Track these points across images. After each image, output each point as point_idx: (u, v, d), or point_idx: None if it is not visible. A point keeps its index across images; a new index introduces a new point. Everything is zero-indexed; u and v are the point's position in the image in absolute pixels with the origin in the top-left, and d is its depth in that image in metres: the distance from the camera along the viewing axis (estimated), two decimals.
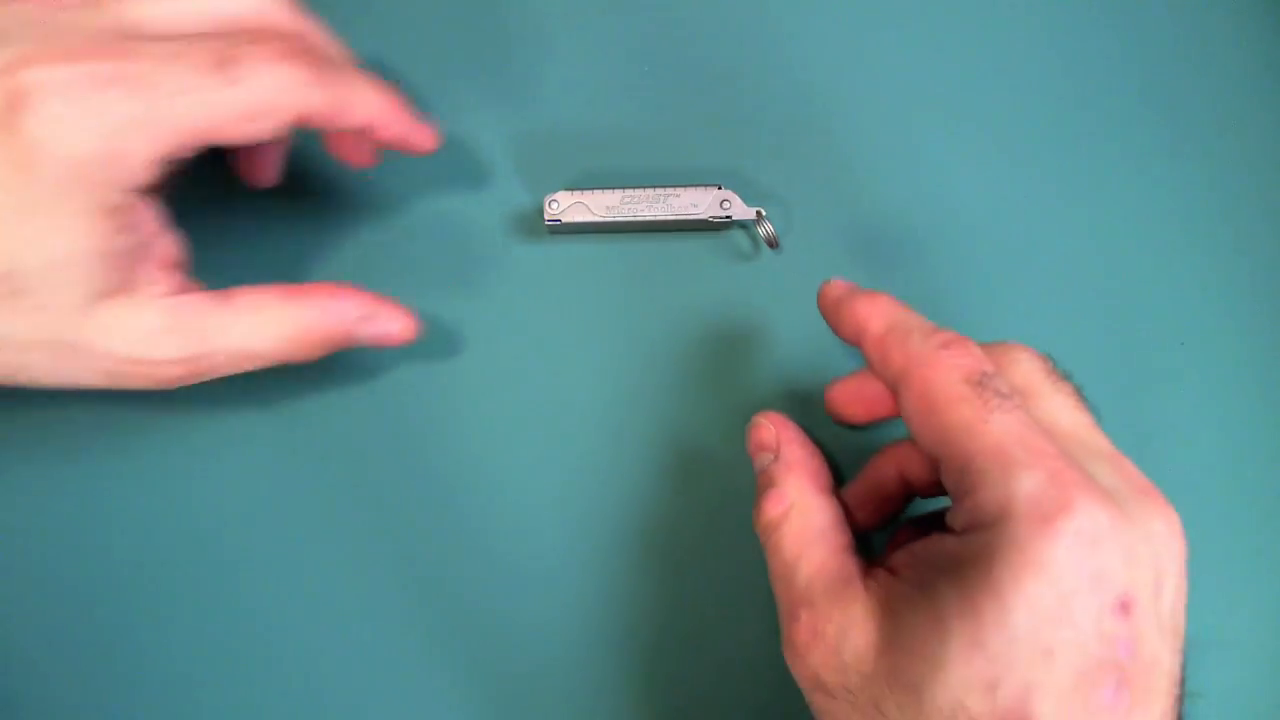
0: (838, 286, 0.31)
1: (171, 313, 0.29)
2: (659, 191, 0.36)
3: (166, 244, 0.30)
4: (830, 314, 0.30)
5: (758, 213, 0.37)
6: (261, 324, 0.31)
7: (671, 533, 0.36)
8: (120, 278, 0.29)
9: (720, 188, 0.36)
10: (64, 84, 0.26)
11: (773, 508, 0.30)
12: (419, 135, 0.33)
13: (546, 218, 0.36)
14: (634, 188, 0.37)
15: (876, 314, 0.28)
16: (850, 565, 0.28)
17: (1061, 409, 0.28)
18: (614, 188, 0.37)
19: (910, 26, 0.40)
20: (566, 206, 0.37)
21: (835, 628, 0.27)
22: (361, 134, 0.32)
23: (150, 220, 0.29)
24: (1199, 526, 0.36)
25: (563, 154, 0.39)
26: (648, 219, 0.37)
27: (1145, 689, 0.24)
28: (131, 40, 0.28)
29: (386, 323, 0.33)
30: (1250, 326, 0.37)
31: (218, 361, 0.30)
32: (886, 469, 0.32)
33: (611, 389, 0.37)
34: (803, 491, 0.30)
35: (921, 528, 0.32)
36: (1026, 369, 0.28)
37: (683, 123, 0.39)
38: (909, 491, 0.32)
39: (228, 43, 0.28)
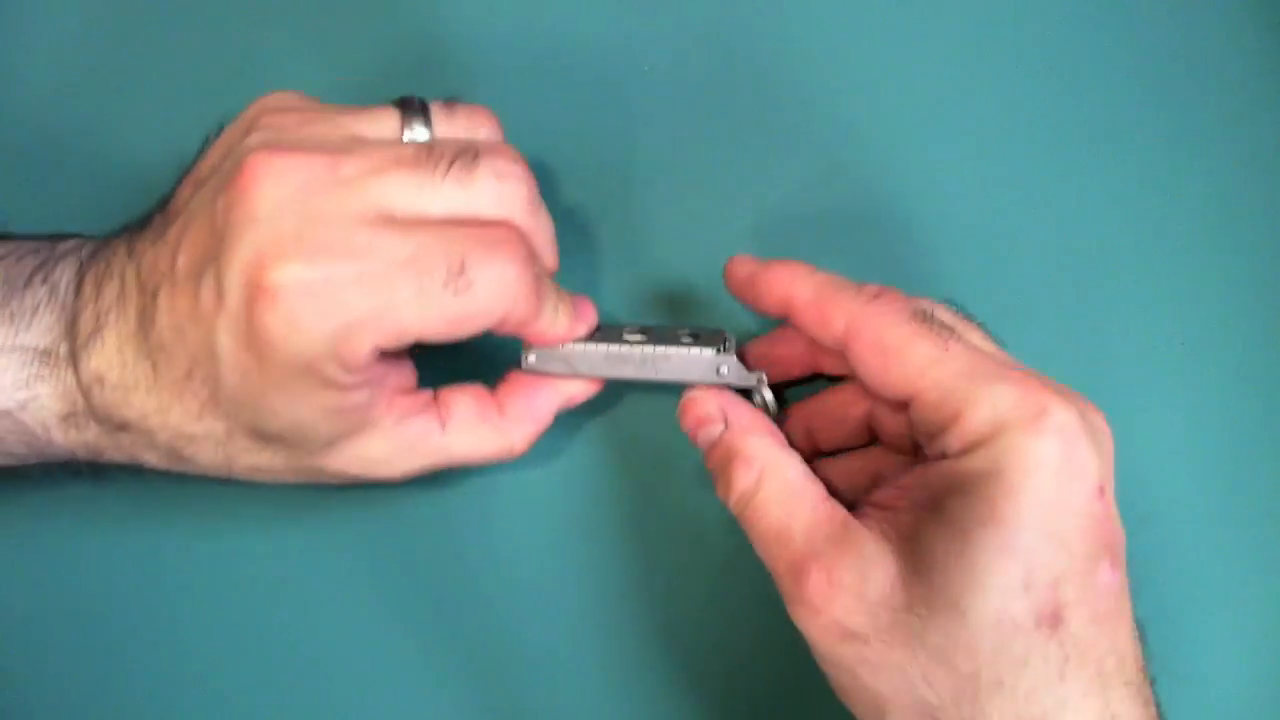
0: (746, 262, 0.32)
1: (398, 439, 0.31)
2: (648, 351, 0.33)
3: (398, 377, 0.32)
4: (745, 290, 0.32)
5: (758, 379, 0.33)
6: (480, 440, 0.33)
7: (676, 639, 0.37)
8: (358, 422, 0.30)
9: (717, 351, 0.33)
10: (306, 286, 0.27)
11: (744, 476, 0.29)
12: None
13: (524, 367, 0.34)
14: (620, 342, 0.33)
15: (800, 281, 0.30)
16: (840, 510, 0.29)
17: (981, 340, 0.30)
18: (598, 341, 0.33)
19: (908, 44, 0.40)
20: (546, 360, 0.34)
21: (852, 572, 0.27)
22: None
23: (380, 371, 0.30)
24: (1200, 525, 0.36)
25: None
26: (635, 379, 0.34)
27: (1122, 565, 0.27)
28: (378, 232, 0.28)
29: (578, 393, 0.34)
30: (1250, 326, 0.37)
31: (442, 466, 0.33)
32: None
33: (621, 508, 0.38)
34: (769, 450, 0.30)
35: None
36: (940, 312, 0.30)
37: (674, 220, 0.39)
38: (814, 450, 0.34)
39: (464, 246, 0.28)
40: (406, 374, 0.32)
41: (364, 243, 0.27)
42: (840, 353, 0.30)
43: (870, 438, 0.33)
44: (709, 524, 0.37)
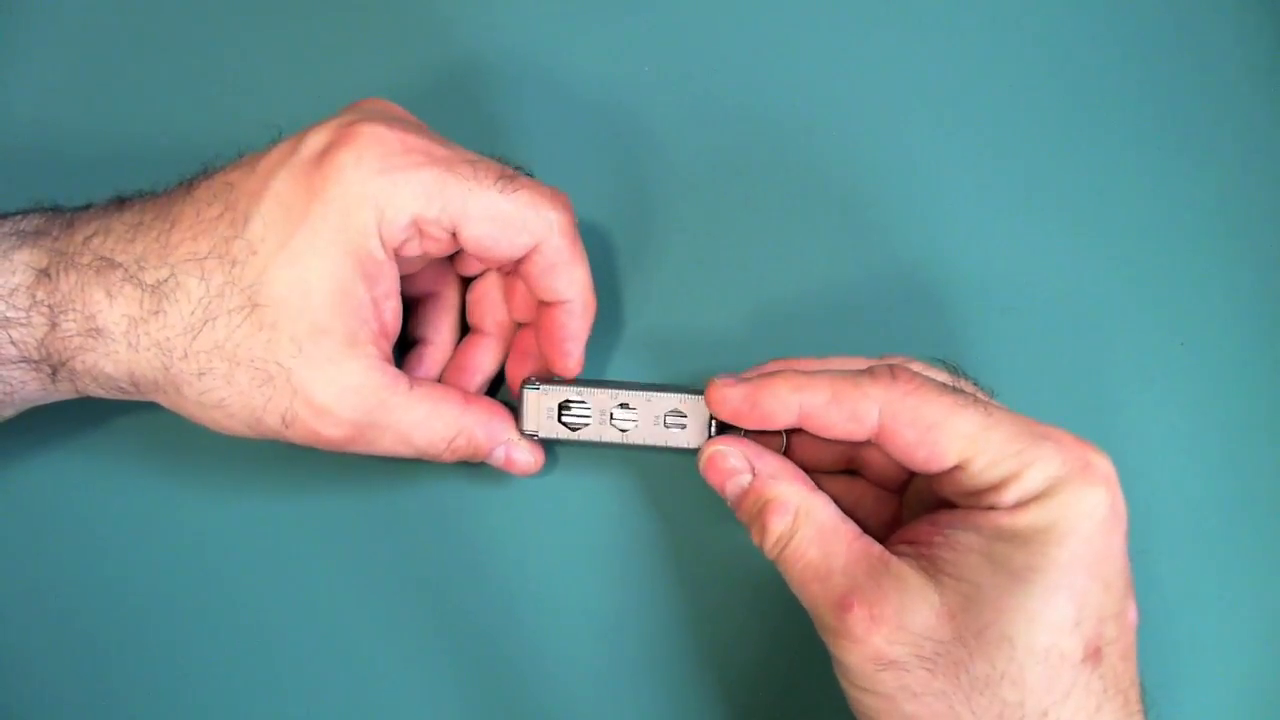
0: (730, 385, 0.31)
1: (366, 375, 0.31)
2: (645, 414, 0.34)
3: (390, 312, 0.32)
4: (745, 414, 0.31)
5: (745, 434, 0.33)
6: (433, 417, 0.33)
7: None
8: (344, 324, 0.31)
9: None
10: (384, 138, 0.31)
11: (779, 520, 0.30)
12: (575, 347, 0.34)
13: (524, 430, 0.35)
14: (619, 389, 0.35)
15: (807, 389, 0.30)
16: (876, 546, 0.29)
17: (988, 399, 0.31)
18: (592, 388, 0.35)
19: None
20: (546, 423, 0.35)
21: (894, 606, 0.28)
22: (550, 304, 0.34)
23: (387, 284, 0.32)
24: (1200, 524, 0.37)
25: None
26: (633, 444, 0.35)
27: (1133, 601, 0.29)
28: (446, 142, 0.32)
29: (524, 452, 0.35)
30: (1250, 326, 0.38)
31: (381, 438, 0.32)
32: None
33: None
34: (801, 495, 0.31)
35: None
36: (939, 374, 0.31)
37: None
38: None
39: (522, 177, 0.33)
40: (395, 319, 0.33)
41: (440, 143, 0.32)
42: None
43: (848, 466, 0.34)
44: (723, 529, 0.37)
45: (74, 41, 0.41)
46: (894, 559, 0.29)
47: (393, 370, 0.32)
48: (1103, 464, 0.28)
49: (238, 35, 0.41)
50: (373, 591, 0.38)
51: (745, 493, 0.31)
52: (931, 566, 0.28)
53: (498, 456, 0.35)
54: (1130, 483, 0.29)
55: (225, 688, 0.37)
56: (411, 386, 0.32)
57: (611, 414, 0.34)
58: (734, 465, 0.32)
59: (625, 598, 0.37)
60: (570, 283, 0.33)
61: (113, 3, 0.41)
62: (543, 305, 0.34)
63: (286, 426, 0.31)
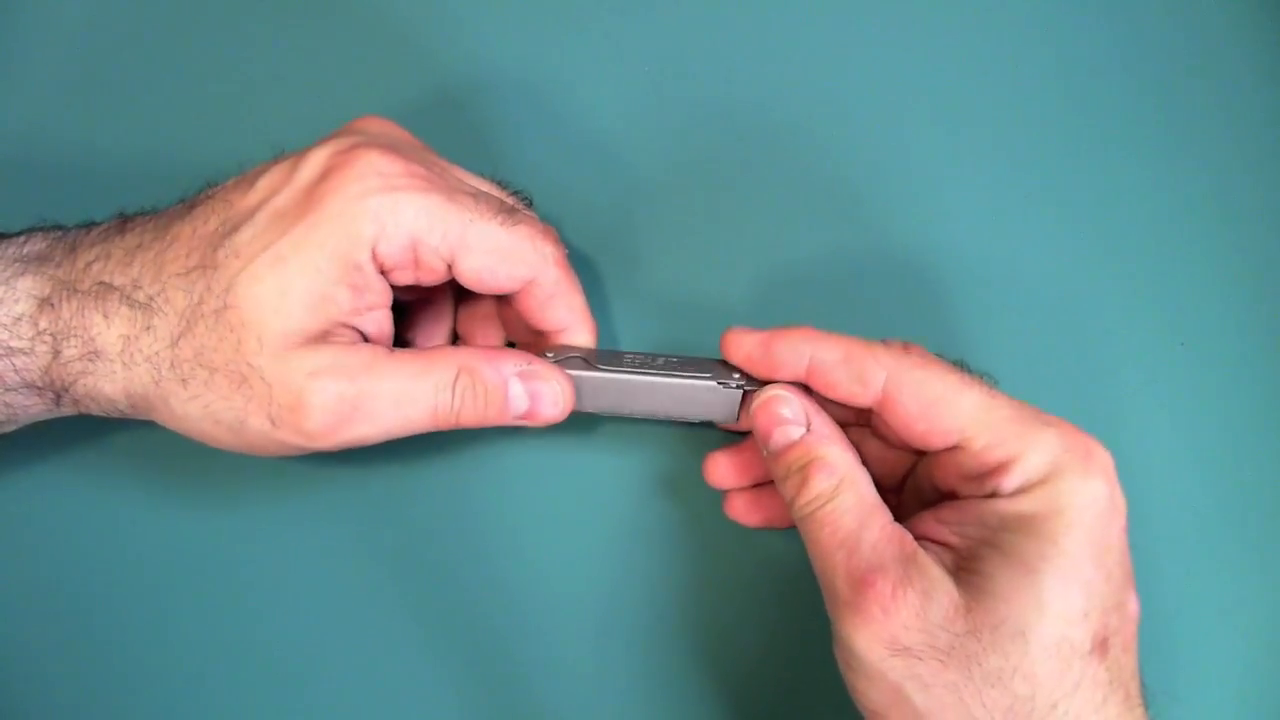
0: (747, 333, 0.32)
1: (338, 353, 0.30)
2: (658, 382, 0.33)
3: (374, 324, 0.32)
4: (758, 359, 0.31)
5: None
6: (426, 368, 0.31)
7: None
8: (320, 328, 0.30)
9: (724, 386, 0.33)
10: (384, 164, 0.30)
11: (825, 479, 0.30)
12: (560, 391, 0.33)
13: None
14: (634, 371, 0.33)
15: (823, 344, 0.30)
16: (908, 537, 0.29)
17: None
18: (601, 364, 0.33)
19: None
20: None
21: (918, 591, 0.27)
22: (552, 332, 0.34)
23: (374, 297, 0.31)
24: (1200, 524, 0.37)
25: None
26: (648, 413, 0.34)
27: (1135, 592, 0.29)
28: (447, 169, 0.33)
29: (549, 383, 0.33)
30: (1250, 326, 0.38)
31: (376, 406, 0.30)
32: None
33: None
34: (850, 464, 0.30)
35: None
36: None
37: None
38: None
39: (513, 206, 0.33)
40: (380, 333, 0.32)
41: (441, 171, 0.32)
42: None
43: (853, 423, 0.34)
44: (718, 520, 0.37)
45: (73, 56, 0.41)
46: (921, 552, 0.28)
47: (367, 345, 0.31)
48: (1102, 455, 0.28)
49: (238, 49, 0.41)
50: (371, 600, 0.37)
51: (793, 445, 0.31)
52: (954, 558, 0.28)
53: (516, 402, 0.32)
54: (1131, 482, 0.29)
55: (221, 699, 0.37)
56: (392, 352, 0.31)
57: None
58: (788, 415, 0.31)
59: (624, 584, 0.37)
60: (570, 309, 0.34)
61: (112, 18, 0.41)
62: (542, 333, 0.34)
63: (275, 425, 0.30)
